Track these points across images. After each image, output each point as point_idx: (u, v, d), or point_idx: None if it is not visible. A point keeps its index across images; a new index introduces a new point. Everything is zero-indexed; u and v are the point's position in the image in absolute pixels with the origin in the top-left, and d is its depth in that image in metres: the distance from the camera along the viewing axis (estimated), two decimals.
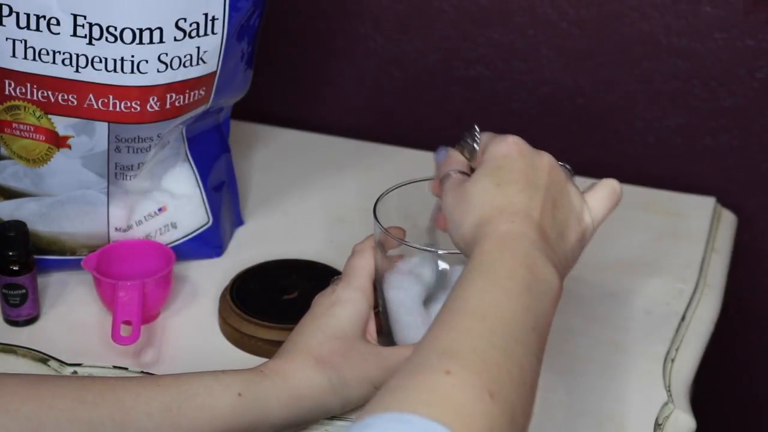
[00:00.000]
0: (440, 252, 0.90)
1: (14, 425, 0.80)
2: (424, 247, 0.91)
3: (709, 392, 1.24)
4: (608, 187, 0.85)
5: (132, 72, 0.97)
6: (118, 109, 0.99)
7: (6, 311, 1.03)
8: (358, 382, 0.89)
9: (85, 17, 0.95)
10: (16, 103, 1.00)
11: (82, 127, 1.00)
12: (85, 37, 0.96)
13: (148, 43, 0.97)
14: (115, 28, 0.96)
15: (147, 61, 0.97)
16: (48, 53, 0.97)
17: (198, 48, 0.99)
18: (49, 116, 1.00)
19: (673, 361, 1.02)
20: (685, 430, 0.96)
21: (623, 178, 1.27)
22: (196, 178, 1.10)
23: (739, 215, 1.27)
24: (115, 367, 0.98)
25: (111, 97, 0.98)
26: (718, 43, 1.24)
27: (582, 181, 0.85)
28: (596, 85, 1.30)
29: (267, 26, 1.08)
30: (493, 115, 1.33)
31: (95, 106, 0.99)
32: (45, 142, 1.01)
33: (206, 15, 0.98)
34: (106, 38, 0.96)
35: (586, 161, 1.31)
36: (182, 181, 1.10)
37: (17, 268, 1.01)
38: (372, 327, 0.93)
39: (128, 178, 1.05)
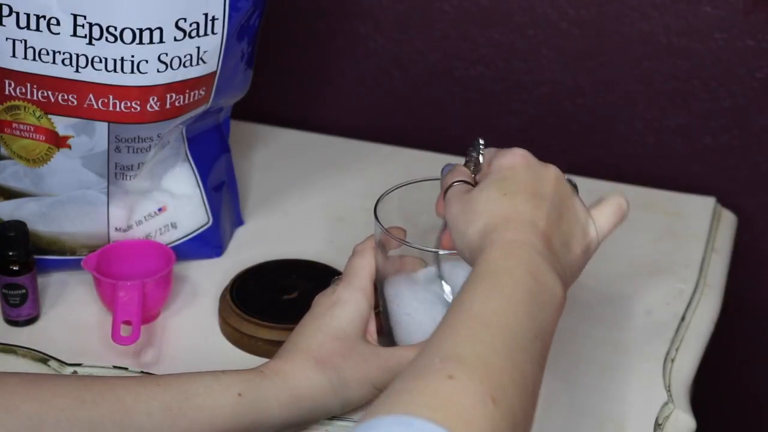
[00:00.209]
0: (440, 252, 0.90)
1: (14, 424, 0.80)
2: (424, 247, 0.91)
3: (709, 392, 1.24)
4: (615, 204, 0.86)
5: (132, 72, 0.97)
6: (118, 109, 0.99)
7: (6, 311, 1.03)
8: (358, 382, 0.89)
9: (85, 17, 0.95)
10: (16, 103, 1.00)
11: (82, 127, 1.00)
12: (85, 37, 0.96)
13: (148, 43, 0.97)
14: (115, 28, 0.96)
15: (147, 61, 0.97)
16: (48, 53, 0.97)
17: (198, 48, 0.99)
18: (49, 116, 1.00)
19: (673, 361, 1.02)
20: (685, 430, 0.96)
21: (623, 178, 1.28)
22: (196, 178, 1.10)
23: (739, 215, 1.27)
24: (115, 367, 0.98)
25: (111, 97, 0.98)
26: (718, 43, 1.24)
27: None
28: (596, 85, 1.30)
29: (267, 26, 1.08)
30: (493, 115, 1.33)
31: (95, 106, 0.99)
32: (45, 142, 1.01)
33: (206, 15, 0.98)
34: (106, 38, 0.96)
35: (586, 161, 1.32)
36: (182, 181, 1.10)
37: (17, 268, 1.01)
38: (372, 327, 0.93)
39: (128, 178, 1.05)
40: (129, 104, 0.99)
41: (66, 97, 0.99)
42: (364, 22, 1.33)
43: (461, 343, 0.69)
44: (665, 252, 1.16)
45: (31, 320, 1.04)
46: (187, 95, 1.01)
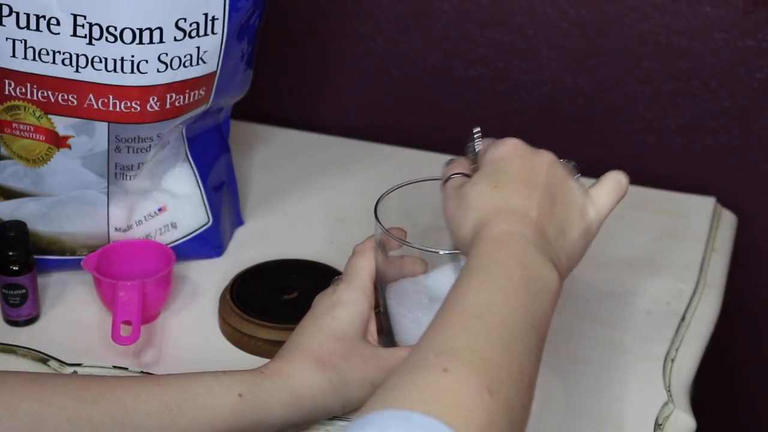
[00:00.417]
0: (441, 252, 0.90)
1: (14, 423, 0.80)
2: (425, 247, 0.91)
3: (709, 392, 1.24)
4: (613, 180, 0.85)
5: (132, 72, 0.97)
6: (118, 109, 0.99)
7: (6, 311, 1.03)
8: (358, 382, 0.89)
9: (85, 17, 0.95)
10: (16, 103, 1.00)
11: (82, 127, 1.00)
12: (85, 37, 0.96)
13: (148, 43, 0.97)
14: (115, 28, 0.96)
15: (147, 61, 0.97)
16: (48, 53, 0.97)
17: (198, 48, 0.99)
18: (49, 116, 1.00)
19: (673, 361, 1.02)
20: (685, 430, 0.96)
21: None
22: (196, 178, 1.10)
23: (739, 215, 1.27)
24: (115, 367, 0.98)
25: (111, 97, 0.98)
26: (718, 43, 1.24)
27: (582, 182, 0.85)
28: (596, 85, 1.30)
29: (267, 26, 1.08)
30: (493, 115, 1.33)
31: (95, 106, 0.99)
32: (45, 142, 1.01)
33: (206, 15, 0.98)
34: (106, 38, 0.96)
35: (586, 161, 1.31)
36: (182, 181, 1.10)
37: (17, 268, 1.01)
38: (373, 327, 0.93)
39: (128, 178, 1.05)
40: (129, 104, 0.99)
41: (66, 97, 0.99)
42: (364, 22, 1.33)
43: (455, 337, 0.69)
44: (665, 252, 1.16)
45: (31, 320, 1.04)
46: (187, 95, 1.01)
